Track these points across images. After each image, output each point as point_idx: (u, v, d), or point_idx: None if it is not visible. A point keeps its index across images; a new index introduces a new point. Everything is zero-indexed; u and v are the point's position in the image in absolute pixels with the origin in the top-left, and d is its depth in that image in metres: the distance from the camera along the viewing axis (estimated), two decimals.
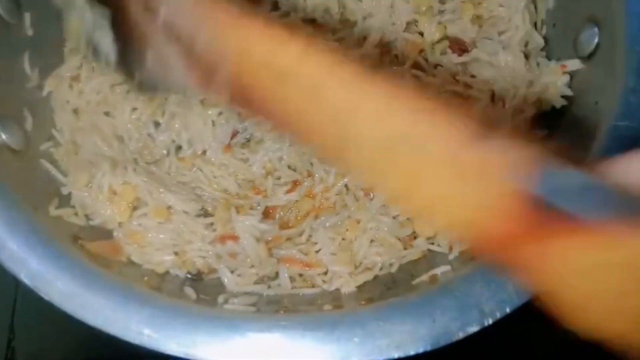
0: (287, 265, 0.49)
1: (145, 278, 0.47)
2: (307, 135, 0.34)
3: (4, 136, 0.48)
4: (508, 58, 0.51)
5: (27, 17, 0.52)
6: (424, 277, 0.45)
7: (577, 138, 0.47)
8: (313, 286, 0.49)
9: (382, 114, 0.31)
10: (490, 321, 0.39)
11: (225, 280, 0.48)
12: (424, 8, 0.54)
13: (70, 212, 0.49)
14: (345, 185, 0.51)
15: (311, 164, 0.52)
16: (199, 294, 0.46)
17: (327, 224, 0.50)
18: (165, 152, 0.53)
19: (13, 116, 0.50)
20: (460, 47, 0.52)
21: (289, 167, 0.52)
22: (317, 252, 0.50)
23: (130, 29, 0.39)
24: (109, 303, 0.41)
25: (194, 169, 0.53)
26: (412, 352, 0.38)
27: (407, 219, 0.50)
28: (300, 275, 0.49)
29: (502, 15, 0.54)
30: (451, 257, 0.48)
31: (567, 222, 0.26)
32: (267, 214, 0.51)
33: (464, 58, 0.52)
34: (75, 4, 0.43)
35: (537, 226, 0.26)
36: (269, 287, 0.48)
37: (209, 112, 0.52)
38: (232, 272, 0.48)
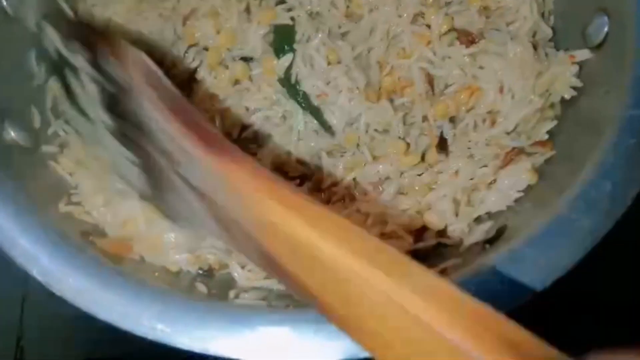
0: None
1: (156, 274, 0.47)
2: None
3: (12, 134, 0.48)
4: (517, 49, 0.51)
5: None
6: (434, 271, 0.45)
7: (586, 129, 0.47)
8: None
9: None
10: None
11: (236, 275, 0.48)
12: (430, 0, 0.53)
13: (81, 210, 0.49)
14: (354, 179, 0.51)
15: (319, 158, 0.52)
16: (210, 289, 0.46)
17: None
18: None
19: (20, 114, 0.50)
20: (468, 38, 0.52)
21: (297, 161, 0.52)
22: None
23: (157, 174, 0.41)
24: (121, 299, 0.41)
25: None
26: None
27: (417, 212, 0.50)
28: None
29: (509, 5, 0.54)
30: (461, 250, 0.48)
31: None
32: None
33: (472, 49, 0.52)
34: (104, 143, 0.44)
35: None
36: (279, 282, 0.48)
37: None
38: (242, 267, 0.48)
